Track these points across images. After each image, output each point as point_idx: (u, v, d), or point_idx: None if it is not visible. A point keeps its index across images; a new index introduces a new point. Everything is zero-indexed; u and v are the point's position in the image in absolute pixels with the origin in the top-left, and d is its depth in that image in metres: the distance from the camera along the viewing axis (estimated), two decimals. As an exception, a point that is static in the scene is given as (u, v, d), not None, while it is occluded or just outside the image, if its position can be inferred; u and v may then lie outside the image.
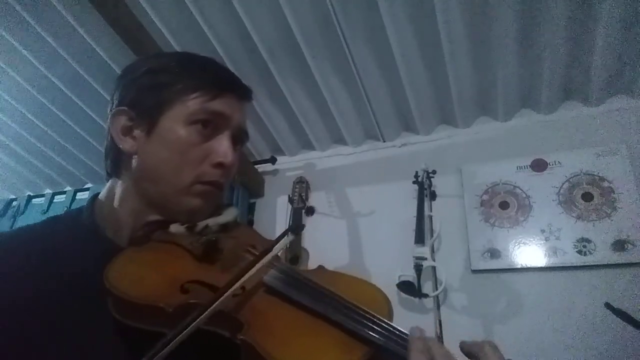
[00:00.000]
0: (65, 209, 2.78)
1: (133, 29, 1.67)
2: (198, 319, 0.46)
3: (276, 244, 0.61)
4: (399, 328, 0.50)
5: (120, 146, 0.64)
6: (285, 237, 0.62)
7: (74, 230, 0.64)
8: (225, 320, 0.51)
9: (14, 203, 3.06)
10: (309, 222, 2.19)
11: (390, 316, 0.54)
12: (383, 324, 0.50)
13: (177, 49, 1.81)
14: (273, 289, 0.56)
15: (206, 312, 0.46)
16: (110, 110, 0.66)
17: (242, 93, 0.69)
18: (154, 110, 0.62)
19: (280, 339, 0.49)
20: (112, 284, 0.51)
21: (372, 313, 0.52)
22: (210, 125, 0.63)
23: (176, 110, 0.62)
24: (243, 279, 0.51)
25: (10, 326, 0.51)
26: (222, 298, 0.48)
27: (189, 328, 0.44)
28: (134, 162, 0.63)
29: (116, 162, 0.66)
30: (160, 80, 0.64)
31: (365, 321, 0.50)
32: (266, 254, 0.57)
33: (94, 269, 0.52)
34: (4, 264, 0.57)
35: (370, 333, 0.49)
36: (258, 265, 0.54)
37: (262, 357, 0.46)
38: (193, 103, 0.62)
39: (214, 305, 0.47)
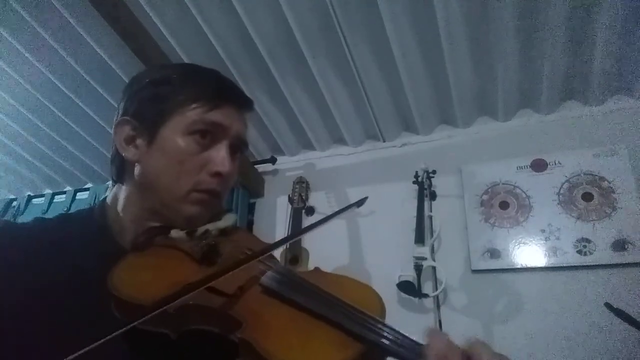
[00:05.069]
0: (65, 209, 2.79)
1: (133, 29, 1.67)
2: (172, 303, 0.47)
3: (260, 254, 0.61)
4: (391, 326, 0.51)
5: (123, 155, 0.66)
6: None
7: (85, 230, 0.67)
8: (224, 319, 0.52)
9: (14, 203, 3.06)
10: (309, 222, 2.19)
11: (382, 315, 0.56)
12: (376, 322, 0.52)
13: (177, 48, 1.81)
14: (269, 289, 0.57)
15: (177, 301, 0.48)
16: (116, 120, 0.69)
17: (241, 103, 0.70)
18: (155, 121, 0.65)
19: (277, 337, 0.50)
20: (115, 287, 0.52)
21: (365, 311, 0.53)
22: (208, 135, 0.65)
23: (176, 120, 0.64)
24: (210, 283, 0.52)
25: (15, 313, 0.54)
26: (193, 293, 0.49)
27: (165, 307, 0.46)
28: (136, 170, 0.66)
29: (120, 169, 0.69)
30: (161, 91, 0.66)
31: (358, 319, 0.52)
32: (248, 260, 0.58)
33: (101, 269, 0.54)
34: (18, 253, 0.60)
35: (364, 330, 0.50)
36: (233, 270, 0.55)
37: (260, 355, 0.47)
38: (192, 114, 0.64)
39: (185, 297, 0.48)
